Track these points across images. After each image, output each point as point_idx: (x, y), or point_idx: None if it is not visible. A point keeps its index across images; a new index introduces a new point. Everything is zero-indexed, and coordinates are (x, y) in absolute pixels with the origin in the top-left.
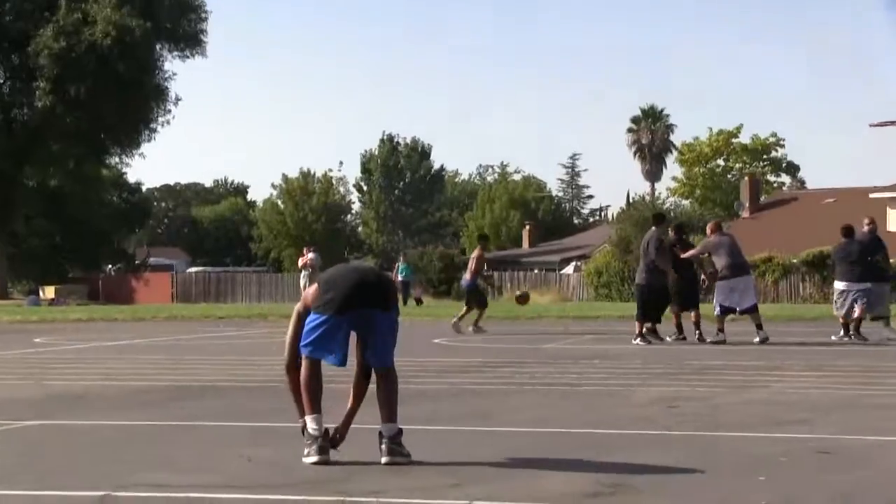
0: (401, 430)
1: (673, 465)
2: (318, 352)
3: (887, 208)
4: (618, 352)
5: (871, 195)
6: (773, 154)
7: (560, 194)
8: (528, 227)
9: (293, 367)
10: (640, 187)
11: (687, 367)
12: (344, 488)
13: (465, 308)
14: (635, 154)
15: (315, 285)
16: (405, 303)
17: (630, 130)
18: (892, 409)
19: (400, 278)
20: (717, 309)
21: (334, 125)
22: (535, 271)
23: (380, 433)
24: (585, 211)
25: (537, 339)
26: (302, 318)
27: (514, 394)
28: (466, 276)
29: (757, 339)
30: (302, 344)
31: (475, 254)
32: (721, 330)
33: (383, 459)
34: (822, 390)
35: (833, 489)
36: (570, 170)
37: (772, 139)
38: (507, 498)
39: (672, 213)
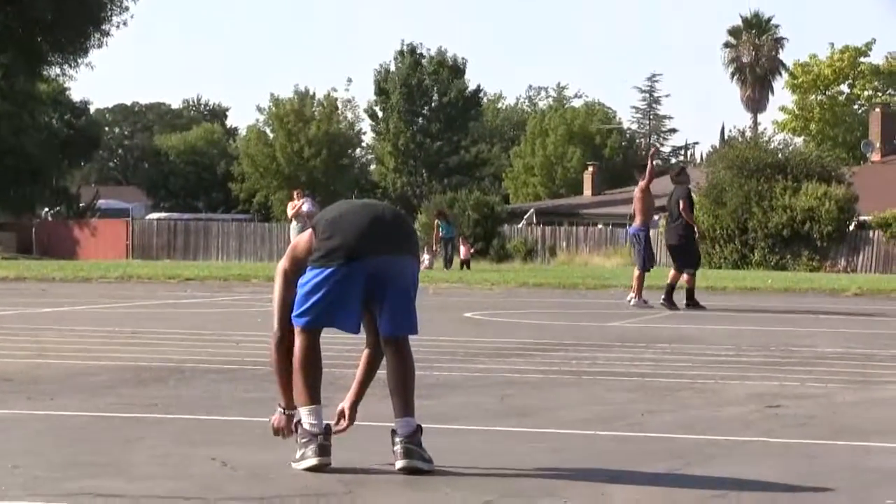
0: (420, 428)
1: (774, 482)
2: (323, 318)
3: None
4: (705, 334)
5: None
6: None
7: (634, 127)
8: (591, 169)
9: (285, 341)
10: (739, 119)
11: (795, 355)
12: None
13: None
14: (733, 76)
15: (308, 231)
16: (447, 264)
17: (727, 45)
18: None
19: (442, 235)
20: None
21: (341, 32)
22: (599, 226)
23: (393, 431)
24: (667, 149)
25: (600, 315)
26: (290, 277)
27: (568, 386)
28: (635, 222)
29: None
30: (297, 312)
31: (639, 186)
32: None
33: (398, 464)
34: None
35: None
36: (647, 95)
37: None
38: None
39: (781, 155)
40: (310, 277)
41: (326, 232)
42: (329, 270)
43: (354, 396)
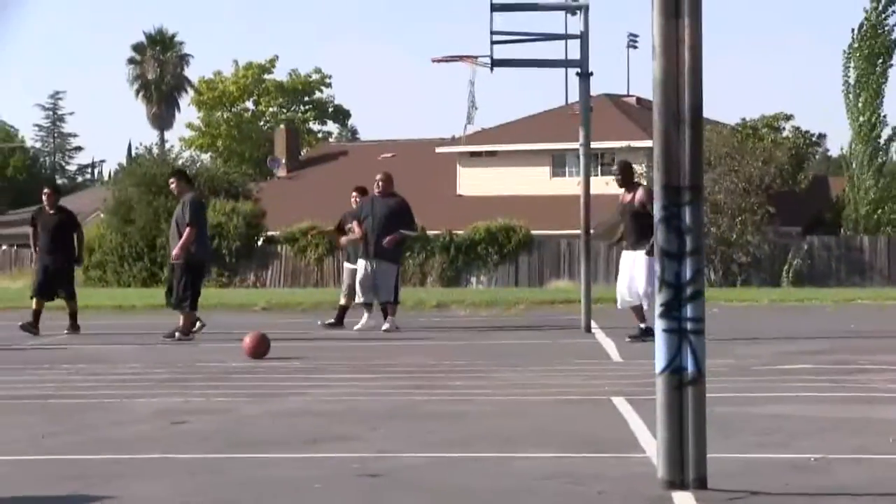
0: None
1: (174, 498)
2: None
3: (458, 166)
4: (109, 353)
5: (439, 149)
6: (318, 96)
7: (38, 145)
8: None
9: None
10: (147, 136)
11: (201, 370)
12: None
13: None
14: (139, 93)
15: None
16: None
17: (132, 62)
18: (443, 419)
19: None
20: None
21: None
22: (3, 247)
23: None
24: (72, 167)
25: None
26: None
27: None
28: None
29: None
30: None
31: None
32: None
33: None
34: (372, 397)
35: None
36: (51, 113)
37: (315, 76)
38: None
39: (190, 171)
40: None
41: None
42: None
43: None
